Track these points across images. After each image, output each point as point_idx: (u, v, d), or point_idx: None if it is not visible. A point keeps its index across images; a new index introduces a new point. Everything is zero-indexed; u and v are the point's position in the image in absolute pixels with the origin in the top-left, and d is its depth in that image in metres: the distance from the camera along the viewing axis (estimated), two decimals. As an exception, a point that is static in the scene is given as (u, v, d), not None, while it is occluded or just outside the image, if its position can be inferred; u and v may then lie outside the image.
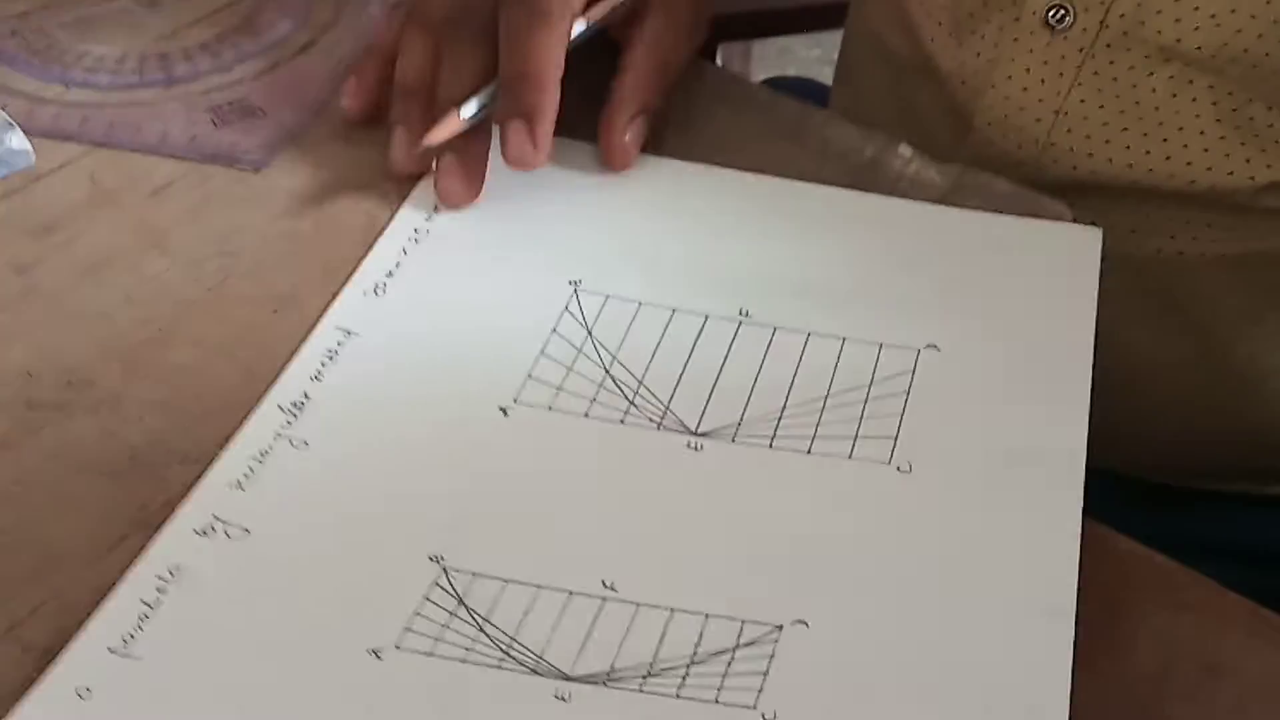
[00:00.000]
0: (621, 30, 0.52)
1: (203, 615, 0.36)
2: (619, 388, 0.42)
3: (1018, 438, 0.40)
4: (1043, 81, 0.53)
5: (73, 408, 0.43)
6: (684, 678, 0.34)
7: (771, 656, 0.35)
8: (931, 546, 0.38)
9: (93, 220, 0.50)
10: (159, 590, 0.36)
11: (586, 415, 0.42)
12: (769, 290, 0.45)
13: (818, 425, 0.41)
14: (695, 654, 0.35)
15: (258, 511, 0.38)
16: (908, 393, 0.42)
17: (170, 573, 0.37)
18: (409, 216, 0.49)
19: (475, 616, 0.36)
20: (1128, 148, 0.52)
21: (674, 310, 0.45)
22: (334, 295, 0.46)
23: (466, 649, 0.35)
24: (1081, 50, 0.52)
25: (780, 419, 0.41)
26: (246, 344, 0.45)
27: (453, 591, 0.36)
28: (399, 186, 0.51)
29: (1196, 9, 0.49)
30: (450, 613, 0.36)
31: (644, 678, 0.34)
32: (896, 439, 0.40)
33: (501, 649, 0.35)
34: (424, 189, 0.50)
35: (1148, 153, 0.52)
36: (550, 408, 0.42)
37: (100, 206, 0.50)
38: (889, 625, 0.36)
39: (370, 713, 0.34)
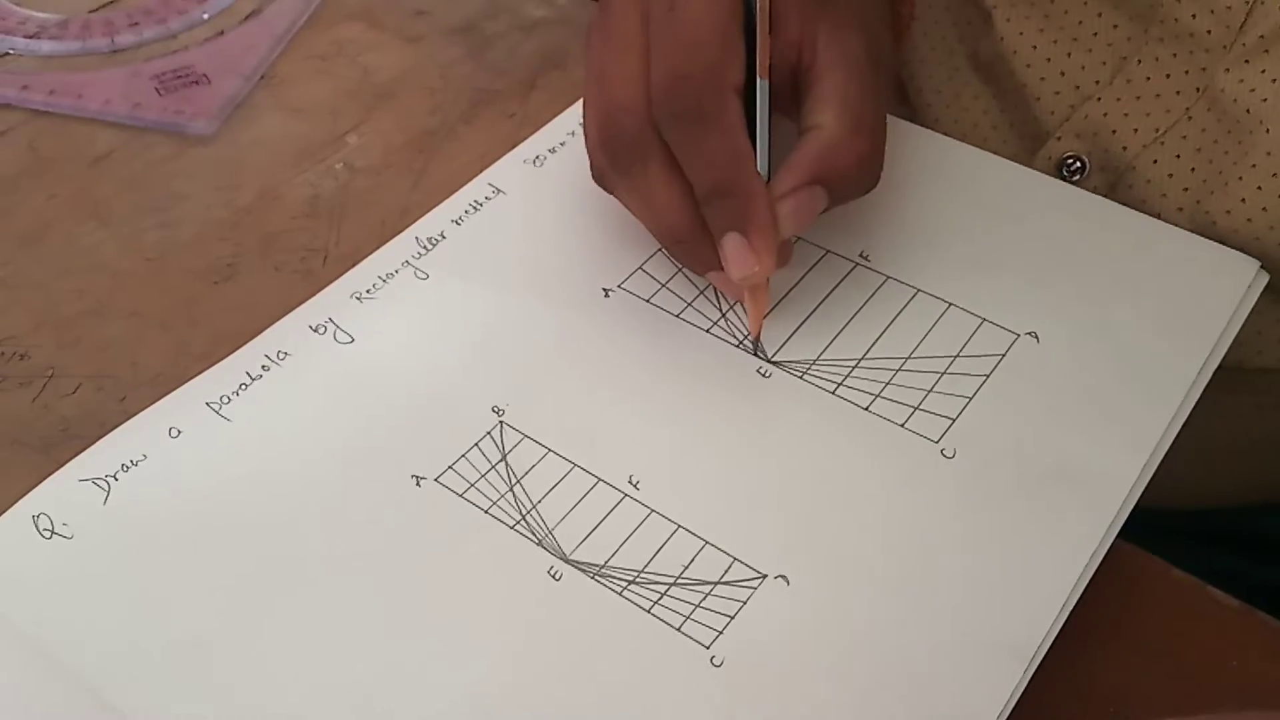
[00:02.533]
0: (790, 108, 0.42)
1: (295, 395, 0.41)
2: (718, 299, 0.43)
3: (1070, 455, 0.38)
4: None
5: (6, 380, 0.42)
6: (662, 594, 0.36)
7: (744, 603, 0.35)
8: (934, 544, 0.37)
9: (31, 190, 0.49)
10: (265, 364, 0.42)
11: (678, 316, 0.43)
12: (897, 240, 0.45)
13: (886, 385, 0.41)
14: (681, 575, 0.36)
15: (367, 321, 0.43)
16: (988, 376, 0.41)
17: (279, 355, 0.42)
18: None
19: (511, 474, 0.38)
20: None
21: (797, 239, 0.44)
22: (275, 268, 0.46)
23: (493, 501, 0.38)
24: None
25: (854, 368, 0.41)
26: (184, 316, 0.44)
27: (500, 446, 0.39)
28: (343, 158, 0.50)
29: (1199, 203, 0.47)
30: (491, 464, 0.39)
31: (629, 583, 0.36)
32: (954, 421, 0.39)
33: (521, 512, 0.38)
34: None
35: None
36: (649, 300, 0.44)
37: (39, 175, 0.50)
38: (855, 608, 0.35)
39: (394, 527, 0.37)
